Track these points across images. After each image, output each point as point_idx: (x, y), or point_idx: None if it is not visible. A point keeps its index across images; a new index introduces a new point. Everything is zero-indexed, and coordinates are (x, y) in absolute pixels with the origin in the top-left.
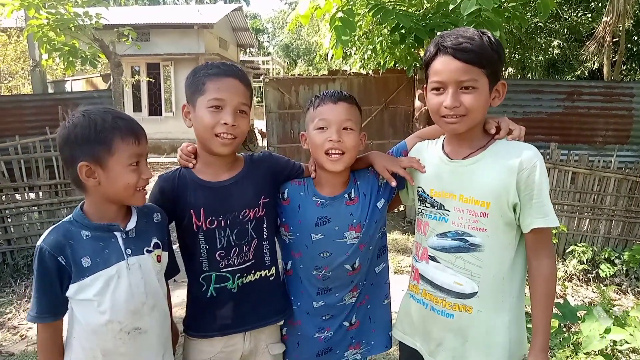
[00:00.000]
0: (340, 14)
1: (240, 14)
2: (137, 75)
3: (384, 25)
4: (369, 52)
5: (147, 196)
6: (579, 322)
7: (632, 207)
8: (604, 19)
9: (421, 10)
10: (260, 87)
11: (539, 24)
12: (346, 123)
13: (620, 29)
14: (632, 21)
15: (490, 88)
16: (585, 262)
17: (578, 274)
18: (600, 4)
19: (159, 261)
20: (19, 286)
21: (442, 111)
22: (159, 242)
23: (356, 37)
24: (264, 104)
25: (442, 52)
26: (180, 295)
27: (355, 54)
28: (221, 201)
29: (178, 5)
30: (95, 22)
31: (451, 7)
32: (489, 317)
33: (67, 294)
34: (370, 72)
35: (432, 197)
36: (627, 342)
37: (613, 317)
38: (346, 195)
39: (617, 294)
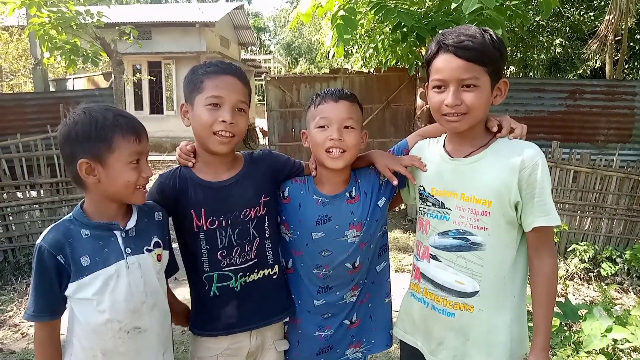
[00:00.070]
0: (341, 12)
1: (242, 13)
2: (138, 74)
3: (385, 24)
4: (371, 51)
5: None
6: (580, 320)
7: (633, 206)
8: (607, 17)
9: (423, 9)
10: (261, 85)
11: (541, 22)
12: (347, 122)
13: (623, 27)
14: (634, 20)
15: (492, 86)
16: (586, 260)
17: (579, 273)
18: (602, 2)
19: (159, 260)
20: (20, 284)
21: (443, 109)
22: (159, 240)
23: (358, 36)
24: (265, 102)
25: (443, 50)
26: (181, 294)
27: (356, 52)
28: (222, 201)
29: (179, 3)
30: (97, 20)
31: (453, 5)
32: (490, 316)
33: (66, 293)
34: (371, 70)
35: (433, 196)
36: (628, 341)
37: (614, 316)
38: (347, 194)
39: (618, 292)
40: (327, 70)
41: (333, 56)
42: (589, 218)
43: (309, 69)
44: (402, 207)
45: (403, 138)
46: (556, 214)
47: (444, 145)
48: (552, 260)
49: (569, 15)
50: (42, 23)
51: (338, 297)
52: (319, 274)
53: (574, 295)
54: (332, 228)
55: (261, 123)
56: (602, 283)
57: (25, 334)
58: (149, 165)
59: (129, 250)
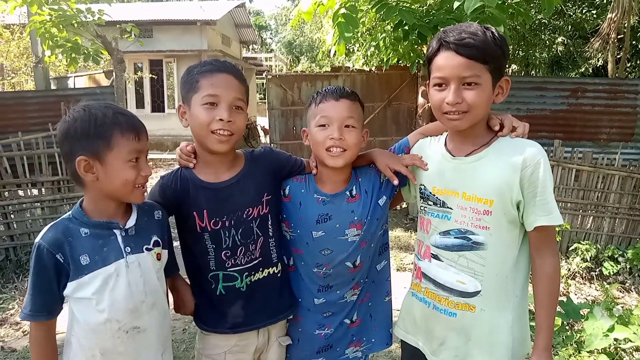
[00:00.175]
0: (343, 11)
1: (243, 11)
2: (139, 72)
3: (387, 22)
4: (372, 49)
5: (146, 194)
6: (582, 320)
7: (636, 204)
8: (609, 15)
9: (424, 7)
10: (263, 83)
11: (543, 20)
12: (348, 120)
13: (625, 25)
14: (637, 18)
15: (493, 84)
16: (588, 260)
17: (581, 272)
18: (605, 1)
19: (158, 259)
20: (21, 282)
21: (444, 107)
22: (159, 240)
23: (359, 34)
24: (266, 100)
25: (444, 48)
26: None
27: (358, 50)
28: (224, 202)
29: (181, 1)
30: (98, 18)
31: (456, 4)
32: (492, 315)
33: (65, 292)
34: (373, 68)
35: (434, 195)
36: (630, 341)
37: (616, 316)
38: (347, 193)
39: (620, 292)
40: (329, 69)
41: (334, 54)
42: (591, 217)
43: (310, 67)
44: (404, 205)
45: (404, 136)
46: (558, 213)
47: (445, 144)
48: (554, 260)
49: (571, 14)
50: (43, 21)
51: (338, 296)
52: (319, 273)
53: (575, 295)
54: (332, 227)
55: (262, 121)
56: (604, 282)
57: (26, 332)
58: (149, 164)
59: (129, 249)
